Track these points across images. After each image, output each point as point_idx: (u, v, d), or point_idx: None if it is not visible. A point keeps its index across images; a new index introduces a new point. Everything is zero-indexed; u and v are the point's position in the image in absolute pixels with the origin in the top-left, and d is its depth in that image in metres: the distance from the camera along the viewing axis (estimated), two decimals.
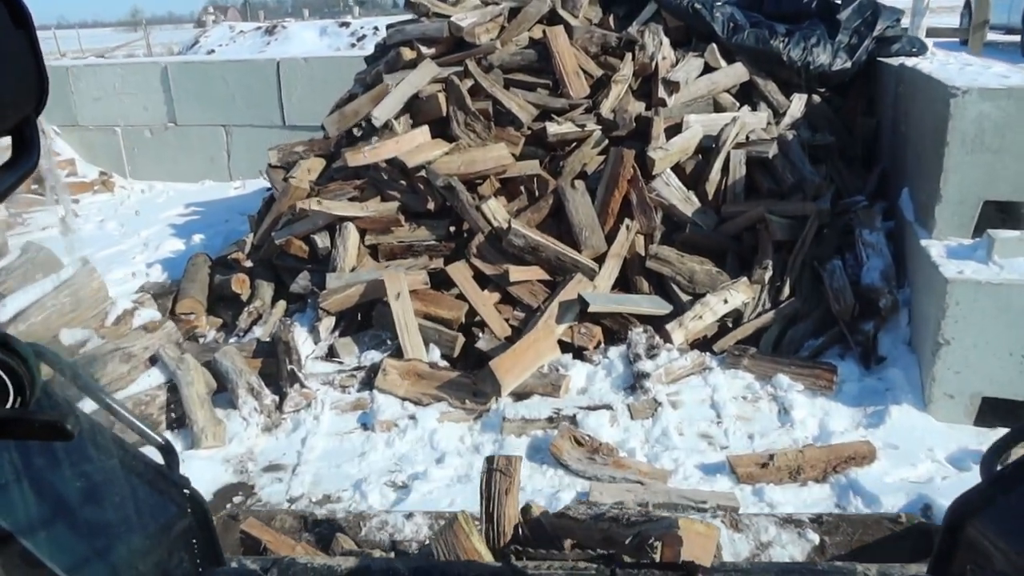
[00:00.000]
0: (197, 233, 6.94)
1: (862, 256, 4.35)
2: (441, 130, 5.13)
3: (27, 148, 0.65)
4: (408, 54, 5.39)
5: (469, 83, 5.17)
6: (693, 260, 4.51)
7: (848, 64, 5.34)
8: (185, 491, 1.33)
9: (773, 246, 4.53)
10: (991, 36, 7.33)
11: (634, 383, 4.00)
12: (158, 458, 1.29)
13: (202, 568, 1.35)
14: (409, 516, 2.99)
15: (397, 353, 4.22)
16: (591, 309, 4.26)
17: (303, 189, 4.98)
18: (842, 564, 1.87)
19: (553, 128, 4.89)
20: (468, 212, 4.60)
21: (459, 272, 4.52)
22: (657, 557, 2.14)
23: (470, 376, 4.03)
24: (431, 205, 4.77)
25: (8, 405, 0.72)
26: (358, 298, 4.44)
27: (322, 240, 4.80)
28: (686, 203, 4.75)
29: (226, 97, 9.17)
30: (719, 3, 5.56)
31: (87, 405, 1.37)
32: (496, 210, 4.63)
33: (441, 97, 5.06)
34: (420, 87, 5.07)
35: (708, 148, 4.97)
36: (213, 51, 18.59)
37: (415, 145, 4.89)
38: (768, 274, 4.44)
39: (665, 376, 4.05)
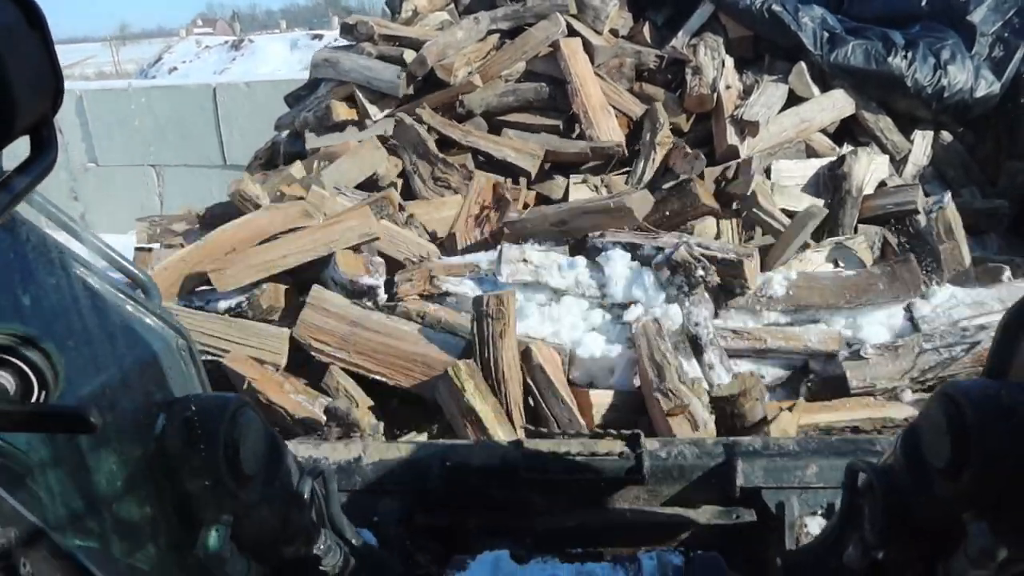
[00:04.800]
0: None
1: None
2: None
3: (45, 148, 0.66)
4: (343, 111, 3.67)
5: (432, 137, 3.49)
6: None
7: (996, 88, 3.67)
8: (170, 325, 1.28)
9: None
10: None
11: None
12: None
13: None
14: None
15: None
16: None
17: None
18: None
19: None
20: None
21: None
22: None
23: None
24: None
25: (32, 400, 0.75)
26: None
27: None
28: None
29: (155, 131, 7.47)
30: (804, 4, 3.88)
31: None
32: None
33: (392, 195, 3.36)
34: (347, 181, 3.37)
35: None
36: (175, 68, 17.04)
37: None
38: None
39: None
